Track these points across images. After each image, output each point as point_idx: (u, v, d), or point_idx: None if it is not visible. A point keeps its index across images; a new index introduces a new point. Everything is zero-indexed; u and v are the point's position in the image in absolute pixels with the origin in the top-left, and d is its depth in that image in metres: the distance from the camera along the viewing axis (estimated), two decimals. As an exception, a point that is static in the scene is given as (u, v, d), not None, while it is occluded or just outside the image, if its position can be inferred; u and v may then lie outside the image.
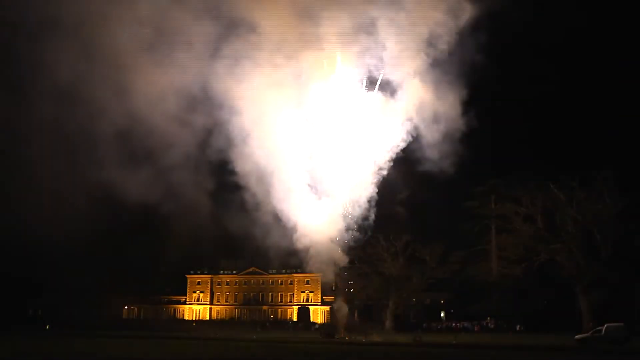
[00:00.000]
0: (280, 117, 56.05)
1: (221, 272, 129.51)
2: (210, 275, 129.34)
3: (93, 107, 59.80)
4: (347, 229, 60.47)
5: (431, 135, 54.64)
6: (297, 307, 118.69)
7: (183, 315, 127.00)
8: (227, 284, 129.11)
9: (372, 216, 60.05)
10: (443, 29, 52.08)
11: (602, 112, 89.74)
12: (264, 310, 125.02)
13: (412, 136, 56.62)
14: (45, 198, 70.96)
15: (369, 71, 55.72)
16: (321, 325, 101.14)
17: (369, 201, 59.32)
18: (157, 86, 55.62)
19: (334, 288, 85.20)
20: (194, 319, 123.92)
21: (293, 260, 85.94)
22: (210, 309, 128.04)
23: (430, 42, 53.07)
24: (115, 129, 59.95)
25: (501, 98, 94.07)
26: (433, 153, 55.23)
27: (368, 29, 53.41)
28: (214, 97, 56.49)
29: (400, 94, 55.68)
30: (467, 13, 51.61)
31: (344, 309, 64.87)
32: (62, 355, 39.56)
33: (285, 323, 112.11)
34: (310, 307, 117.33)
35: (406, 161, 59.23)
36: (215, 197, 63.44)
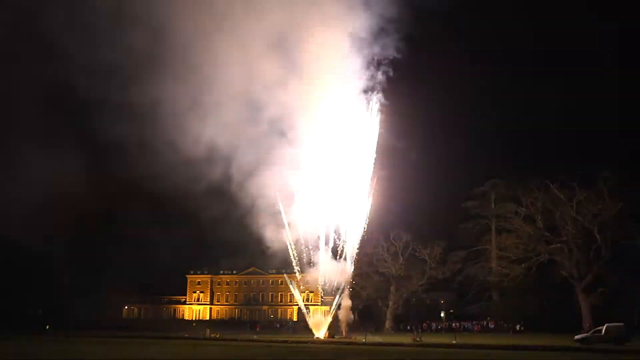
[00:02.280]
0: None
1: (221, 272, 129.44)
2: (210, 275, 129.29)
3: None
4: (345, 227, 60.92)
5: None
6: (297, 307, 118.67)
7: (183, 315, 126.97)
8: (227, 284, 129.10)
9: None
10: None
11: (602, 112, 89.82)
12: (264, 310, 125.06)
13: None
14: (44, 197, 71.08)
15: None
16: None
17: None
18: None
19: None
20: (194, 319, 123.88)
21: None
22: (210, 309, 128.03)
23: None
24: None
25: (502, 97, 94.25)
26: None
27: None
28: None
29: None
30: None
31: (346, 309, 64.88)
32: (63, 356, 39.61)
33: (285, 322, 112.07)
34: (310, 307, 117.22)
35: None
36: (214, 198, 63.61)
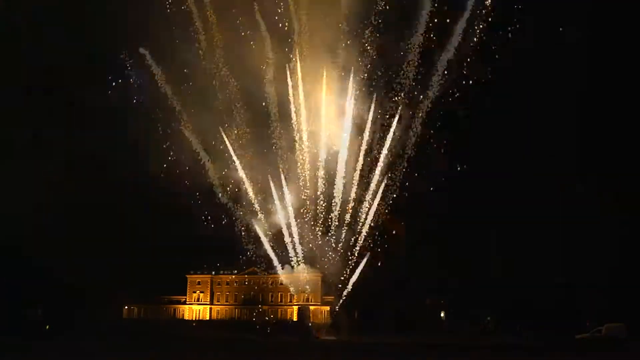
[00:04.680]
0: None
1: (221, 272, 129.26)
2: (210, 275, 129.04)
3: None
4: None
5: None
6: (297, 307, 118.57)
7: (183, 315, 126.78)
8: (227, 284, 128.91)
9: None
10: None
11: (602, 112, 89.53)
12: (264, 310, 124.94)
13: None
14: (45, 197, 71.05)
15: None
16: (318, 324, 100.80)
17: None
18: None
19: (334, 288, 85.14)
20: (194, 319, 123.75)
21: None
22: (210, 309, 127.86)
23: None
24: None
25: (501, 96, 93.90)
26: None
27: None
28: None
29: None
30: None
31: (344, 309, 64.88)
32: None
33: (285, 322, 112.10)
34: (310, 307, 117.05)
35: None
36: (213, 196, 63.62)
